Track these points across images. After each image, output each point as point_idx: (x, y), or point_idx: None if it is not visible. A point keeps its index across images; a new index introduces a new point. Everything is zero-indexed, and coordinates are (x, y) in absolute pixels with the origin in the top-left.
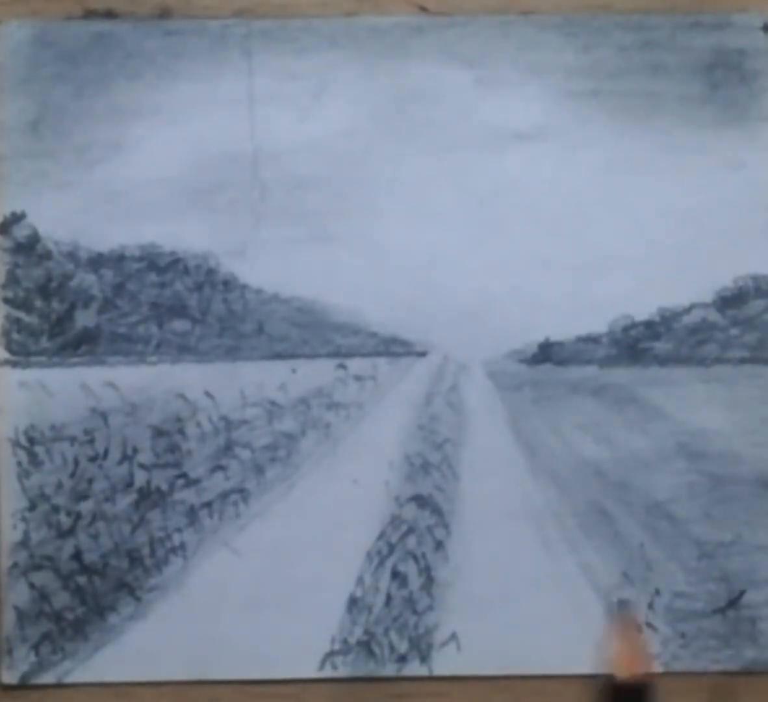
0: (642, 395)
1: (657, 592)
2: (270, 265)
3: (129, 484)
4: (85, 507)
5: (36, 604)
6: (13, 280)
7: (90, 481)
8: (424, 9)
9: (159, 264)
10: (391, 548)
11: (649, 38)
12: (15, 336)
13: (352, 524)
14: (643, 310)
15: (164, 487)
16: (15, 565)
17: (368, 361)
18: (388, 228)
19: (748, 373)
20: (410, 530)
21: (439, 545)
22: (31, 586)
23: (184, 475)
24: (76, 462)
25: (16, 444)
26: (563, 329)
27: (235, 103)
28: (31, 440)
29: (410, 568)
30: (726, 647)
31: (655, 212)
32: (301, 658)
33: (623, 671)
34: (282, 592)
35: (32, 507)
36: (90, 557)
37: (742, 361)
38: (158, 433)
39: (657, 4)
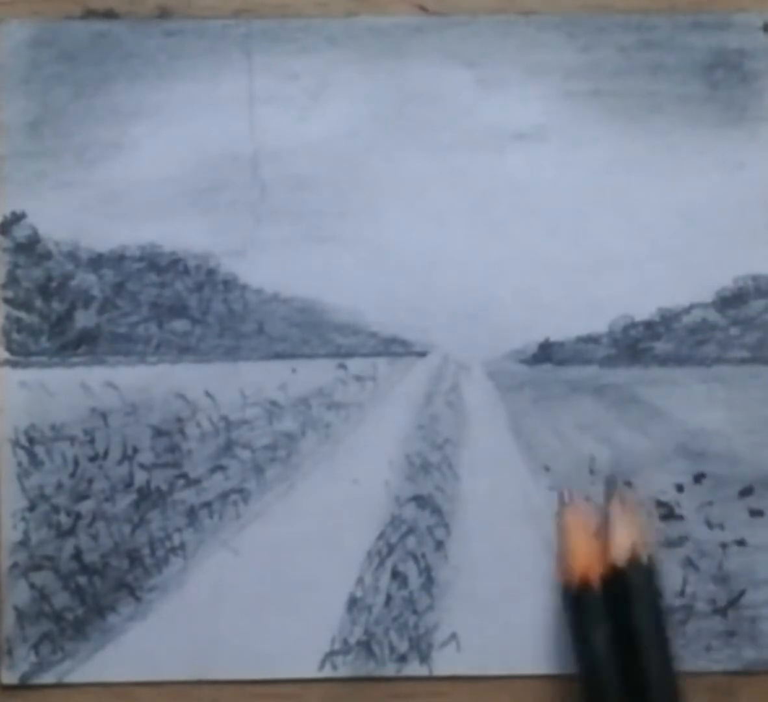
0: (642, 395)
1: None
2: (270, 265)
3: (129, 484)
4: (85, 507)
5: (36, 604)
6: (13, 280)
7: (90, 481)
8: (424, 9)
9: (159, 264)
10: (391, 548)
11: (649, 38)
12: (15, 336)
13: (352, 524)
14: (643, 310)
15: (164, 487)
16: (15, 565)
17: (368, 361)
18: (388, 228)
19: (748, 373)
20: (410, 530)
21: (439, 545)
22: (31, 586)
23: (184, 475)
24: (76, 462)
25: (16, 444)
26: (563, 329)
27: (235, 103)
28: (31, 440)
29: (410, 568)
30: (726, 647)
31: (655, 212)
32: (301, 658)
33: (625, 554)
34: (282, 592)
35: (32, 507)
36: (90, 557)
37: (742, 361)
38: (158, 433)
39: (657, 4)
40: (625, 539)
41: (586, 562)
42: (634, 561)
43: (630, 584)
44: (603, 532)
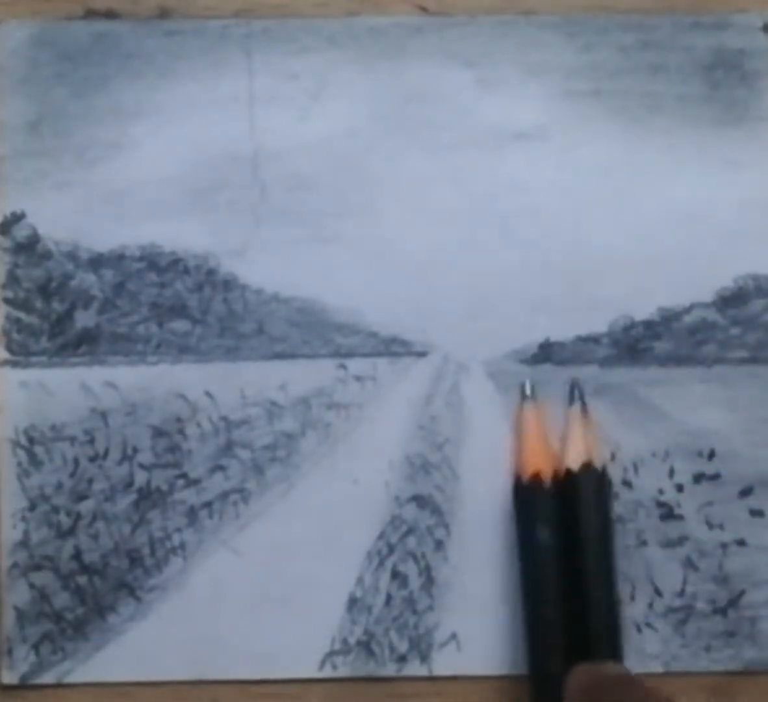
0: (642, 395)
1: (657, 592)
2: (270, 265)
3: (129, 484)
4: (85, 507)
5: (36, 604)
6: (13, 280)
7: (90, 481)
8: (424, 9)
9: (159, 264)
10: (391, 548)
11: (649, 38)
12: (15, 336)
13: (352, 524)
14: (643, 310)
15: (164, 487)
16: (15, 565)
17: (368, 361)
18: (388, 228)
19: (748, 373)
20: (410, 530)
21: (439, 545)
22: (31, 586)
23: (184, 475)
24: (76, 462)
25: (16, 444)
26: (563, 329)
27: (235, 103)
28: (31, 440)
29: (410, 568)
30: (726, 647)
31: (655, 212)
32: (301, 658)
33: (580, 458)
34: (282, 592)
35: (32, 507)
36: (90, 557)
37: (742, 361)
38: (158, 433)
39: (657, 4)
40: (581, 443)
41: (541, 458)
42: (587, 466)
43: (581, 489)
44: (560, 436)
